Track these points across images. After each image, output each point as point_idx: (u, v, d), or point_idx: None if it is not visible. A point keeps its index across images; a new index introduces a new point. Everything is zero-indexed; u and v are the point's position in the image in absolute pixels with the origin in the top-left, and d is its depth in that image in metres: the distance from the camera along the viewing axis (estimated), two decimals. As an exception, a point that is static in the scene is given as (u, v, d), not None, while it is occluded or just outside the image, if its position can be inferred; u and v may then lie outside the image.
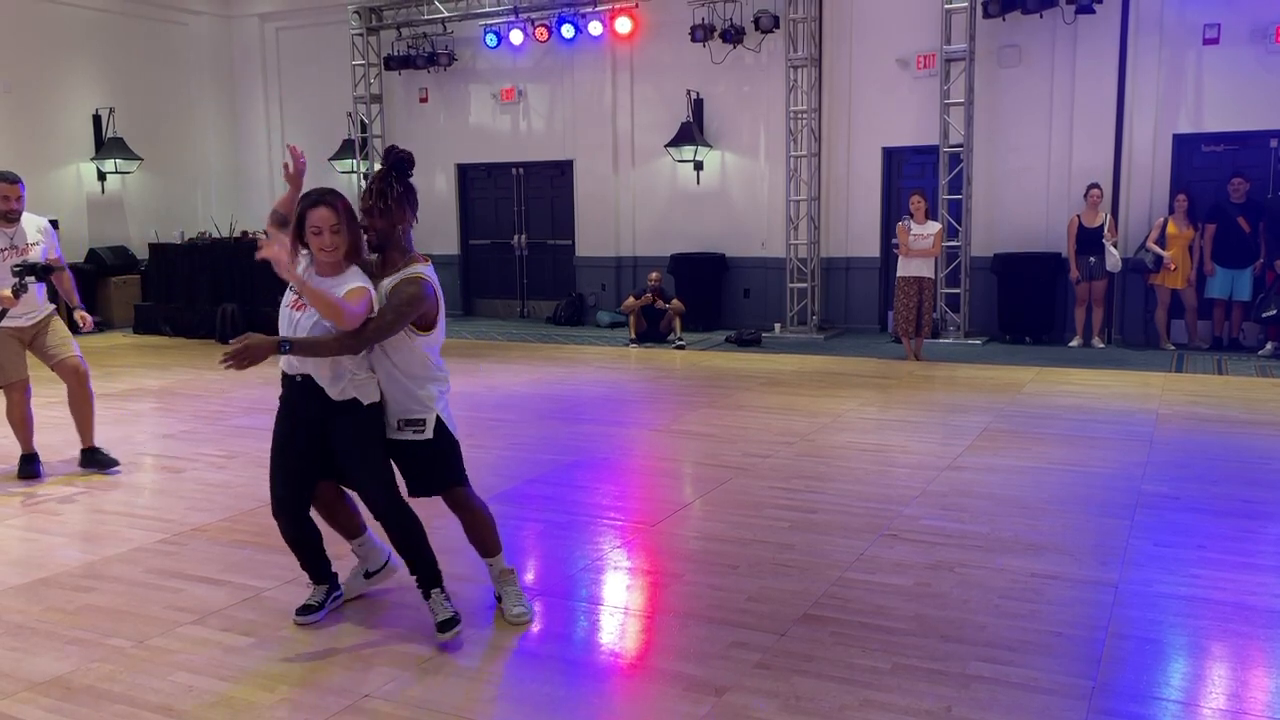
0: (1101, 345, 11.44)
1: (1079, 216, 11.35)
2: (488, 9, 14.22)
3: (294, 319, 3.83)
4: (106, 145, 14.72)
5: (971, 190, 12.04)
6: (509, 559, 4.29)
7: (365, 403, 3.86)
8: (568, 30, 13.63)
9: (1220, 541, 4.98)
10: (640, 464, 6.95)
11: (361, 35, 15.21)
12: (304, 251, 3.85)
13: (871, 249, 13.00)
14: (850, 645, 3.84)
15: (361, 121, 15.43)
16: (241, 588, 4.49)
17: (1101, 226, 11.20)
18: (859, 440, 7.22)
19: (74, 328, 6.48)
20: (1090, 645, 3.83)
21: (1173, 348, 11.16)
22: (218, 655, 3.83)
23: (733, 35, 12.84)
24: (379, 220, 3.84)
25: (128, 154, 14.79)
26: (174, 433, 7.73)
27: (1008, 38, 11.94)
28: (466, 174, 15.52)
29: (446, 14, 14.46)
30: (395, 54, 15.00)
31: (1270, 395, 8.66)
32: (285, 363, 3.86)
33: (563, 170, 14.75)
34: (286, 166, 4.25)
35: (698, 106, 13.46)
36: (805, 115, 12.66)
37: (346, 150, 15.66)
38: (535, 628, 4.06)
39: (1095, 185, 11.30)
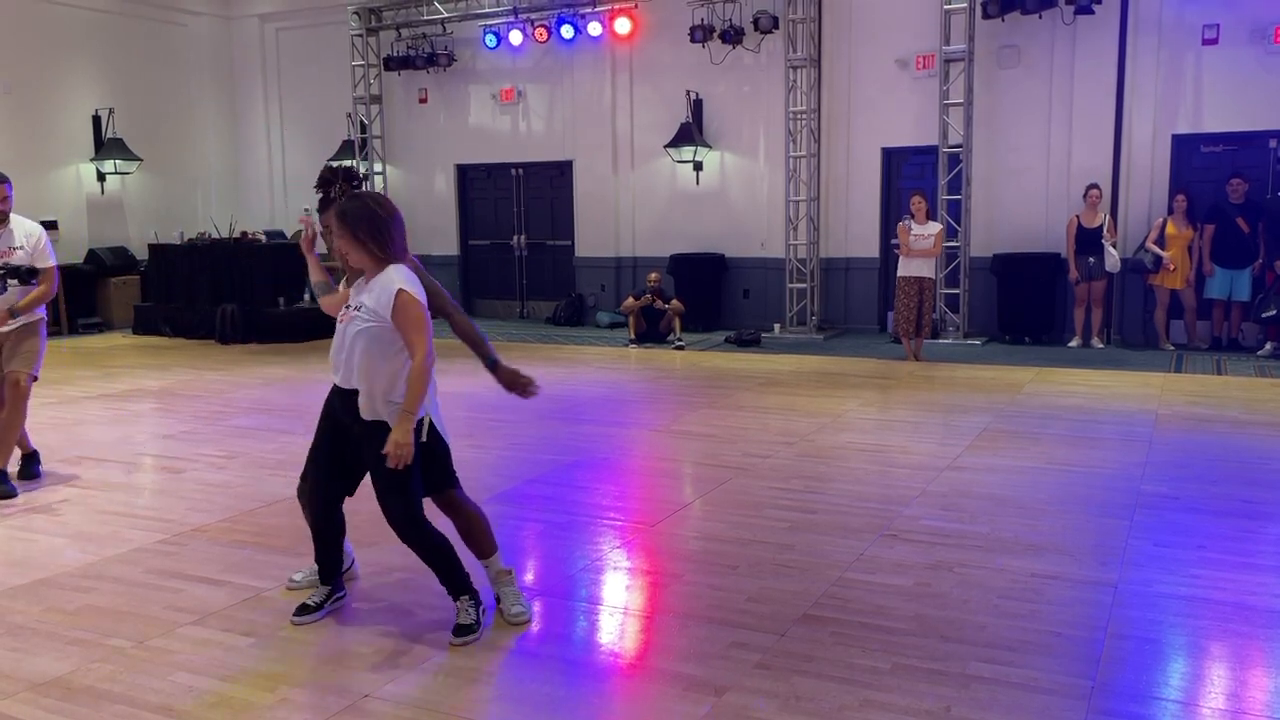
0: (1101, 345, 11.45)
1: (1078, 217, 11.36)
2: (487, 10, 14.23)
3: (344, 332, 3.87)
4: (106, 146, 14.71)
5: (971, 190, 12.05)
6: (509, 559, 4.29)
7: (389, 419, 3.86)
8: (567, 31, 13.64)
9: (1220, 541, 4.98)
10: (640, 464, 6.95)
11: (361, 36, 15.22)
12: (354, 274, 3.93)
13: (871, 249, 13.01)
14: (850, 645, 3.85)
15: (361, 122, 15.45)
16: (241, 588, 4.49)
17: (1101, 227, 11.21)
18: (859, 440, 7.22)
19: None
20: (1090, 645, 3.83)
21: (1172, 348, 11.17)
22: (218, 655, 3.83)
23: (732, 36, 12.84)
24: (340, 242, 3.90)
25: (127, 154, 14.79)
26: (174, 433, 7.73)
27: (1007, 38, 11.94)
28: (466, 174, 15.52)
29: (446, 15, 14.47)
30: (395, 54, 15.01)
31: (1269, 395, 8.66)
32: (342, 377, 3.89)
33: (562, 171, 14.75)
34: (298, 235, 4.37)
35: (697, 107, 13.47)
36: (804, 116, 12.67)
37: (346, 151, 15.66)
38: (535, 628, 4.06)
39: (1094, 185, 11.32)
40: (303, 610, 4.12)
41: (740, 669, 3.66)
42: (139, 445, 7.35)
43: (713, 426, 7.74)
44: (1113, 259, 11.12)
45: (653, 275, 12.54)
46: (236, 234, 14.20)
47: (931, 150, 12.28)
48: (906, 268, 10.61)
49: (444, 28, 14.67)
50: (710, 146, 13.49)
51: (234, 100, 16.94)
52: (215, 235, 14.54)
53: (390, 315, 3.76)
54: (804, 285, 12.92)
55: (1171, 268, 10.96)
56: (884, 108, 12.61)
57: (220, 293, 13.36)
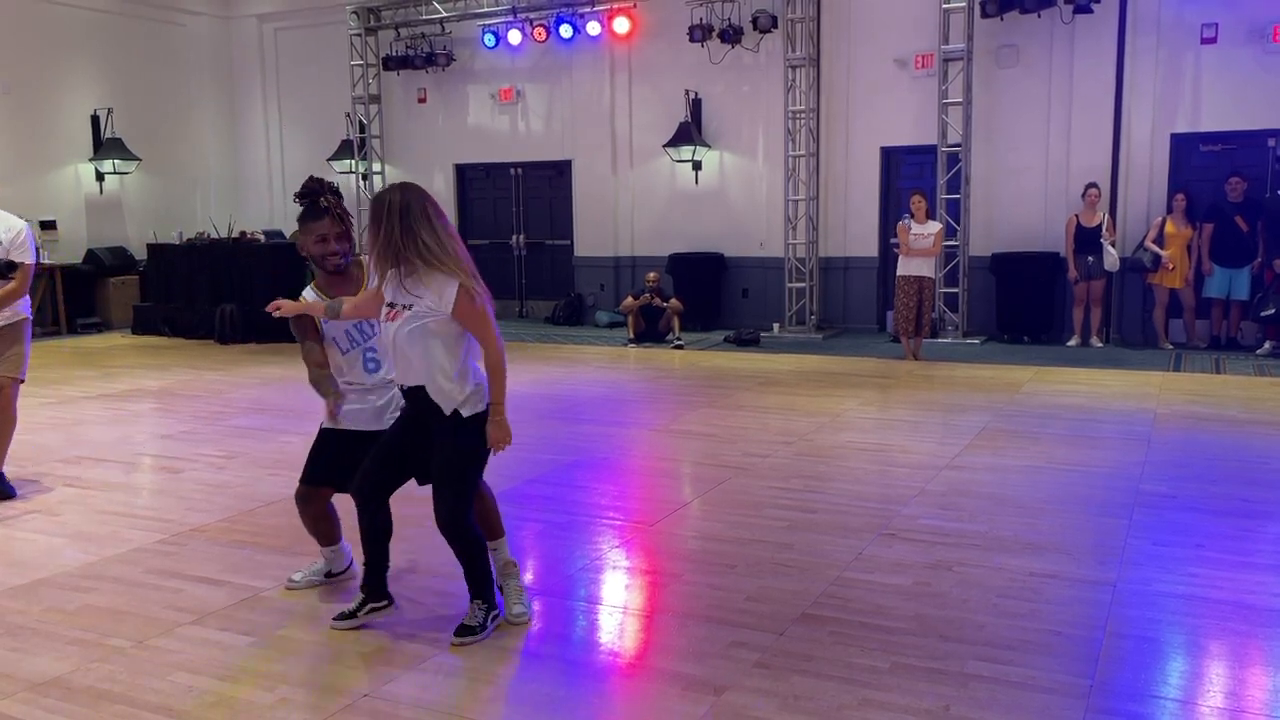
0: (1100, 345, 11.45)
1: (1077, 216, 11.36)
2: (486, 9, 14.23)
3: (389, 330, 3.83)
4: (105, 146, 14.70)
5: (970, 190, 12.05)
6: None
7: (466, 415, 3.83)
8: (566, 30, 13.64)
9: (1218, 540, 4.99)
10: (639, 464, 6.95)
11: (360, 36, 15.22)
12: (390, 271, 3.81)
13: (870, 249, 13.01)
14: (849, 644, 3.85)
15: (360, 122, 15.44)
16: (241, 588, 4.49)
17: (1100, 226, 11.22)
18: (858, 440, 7.23)
19: None
20: (1088, 644, 3.84)
21: (1171, 347, 11.17)
22: (218, 655, 3.83)
23: (731, 35, 12.84)
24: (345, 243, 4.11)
25: (126, 154, 14.78)
26: (173, 433, 7.73)
27: (1006, 37, 11.95)
28: (465, 174, 15.52)
29: (445, 14, 14.47)
30: (394, 54, 15.01)
31: (1268, 394, 8.67)
32: (400, 375, 3.88)
33: (561, 170, 14.75)
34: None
35: (696, 106, 13.47)
36: (803, 115, 12.67)
37: (345, 151, 15.67)
38: (535, 627, 4.07)
39: (1093, 185, 11.32)
40: (343, 617, 4.06)
41: (739, 668, 3.67)
42: (138, 445, 7.35)
43: (712, 426, 7.74)
44: (1112, 258, 11.13)
45: (652, 275, 12.54)
46: (235, 234, 14.20)
47: (930, 149, 12.29)
48: (906, 267, 10.62)
49: (443, 27, 14.67)
50: (709, 146, 13.49)
51: (233, 100, 16.94)
52: (214, 235, 14.55)
53: (452, 310, 3.75)
54: (803, 285, 12.92)
55: (1170, 267, 10.96)
56: (883, 107, 12.62)
57: (219, 293, 13.36)
